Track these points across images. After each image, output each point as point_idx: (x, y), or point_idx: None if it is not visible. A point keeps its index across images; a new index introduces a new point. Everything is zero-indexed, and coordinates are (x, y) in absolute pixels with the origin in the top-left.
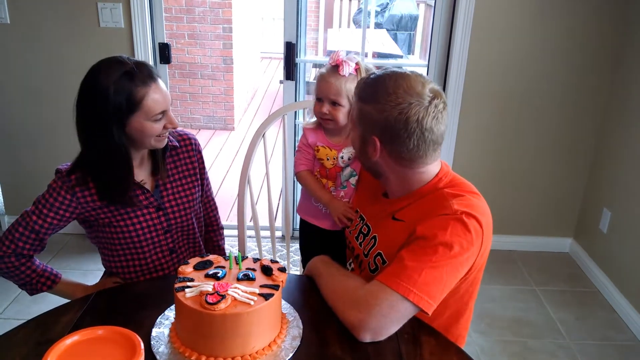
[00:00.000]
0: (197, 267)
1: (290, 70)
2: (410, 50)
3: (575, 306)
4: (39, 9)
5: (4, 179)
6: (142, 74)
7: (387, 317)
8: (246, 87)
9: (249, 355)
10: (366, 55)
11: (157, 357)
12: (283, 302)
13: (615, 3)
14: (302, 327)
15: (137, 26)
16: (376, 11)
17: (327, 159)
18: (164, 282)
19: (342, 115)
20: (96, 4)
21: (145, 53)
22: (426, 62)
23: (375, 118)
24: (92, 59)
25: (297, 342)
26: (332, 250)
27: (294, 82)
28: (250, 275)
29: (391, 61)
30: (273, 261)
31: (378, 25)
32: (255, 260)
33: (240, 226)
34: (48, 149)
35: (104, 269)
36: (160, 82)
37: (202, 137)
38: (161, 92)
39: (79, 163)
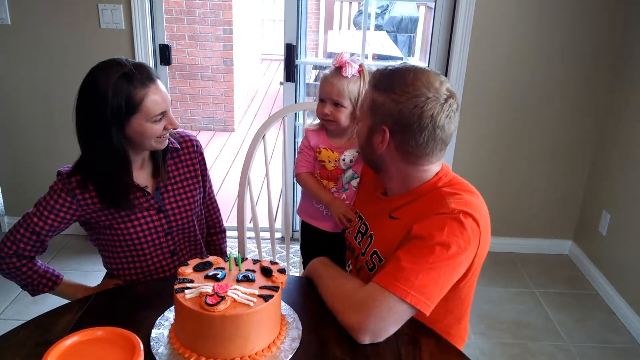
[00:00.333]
0: (196, 269)
1: (291, 71)
2: (410, 52)
3: (575, 308)
4: (40, 10)
5: (4, 180)
6: (141, 76)
7: (385, 320)
8: (246, 88)
9: (249, 356)
10: (366, 57)
11: (157, 358)
12: (283, 303)
13: (615, 6)
14: (301, 328)
15: (138, 27)
16: (376, 13)
17: (329, 161)
18: (164, 283)
19: (343, 117)
20: (97, 5)
21: (145, 54)
22: (426, 64)
23: (389, 108)
24: (92, 60)
25: (296, 344)
26: (333, 252)
27: (294, 83)
28: (250, 277)
29: (391, 63)
30: (273, 262)
31: (378, 27)
32: (255, 261)
33: (240, 227)
34: (48, 150)
35: (104, 271)
36: (160, 83)
37: (202, 139)
38: (160, 93)
39: (80, 165)
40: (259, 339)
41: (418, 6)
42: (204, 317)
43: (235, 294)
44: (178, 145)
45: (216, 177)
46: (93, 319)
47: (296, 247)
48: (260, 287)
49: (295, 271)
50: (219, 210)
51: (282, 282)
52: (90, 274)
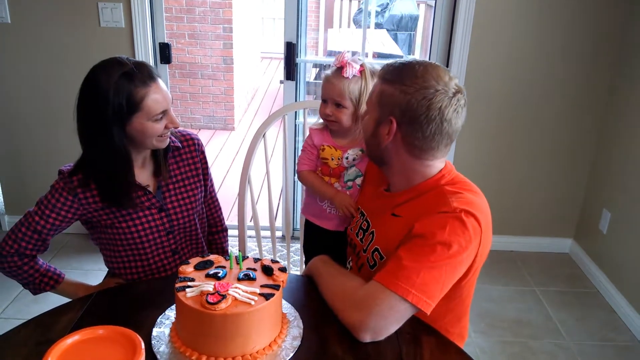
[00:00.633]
0: (197, 267)
1: (291, 70)
2: (410, 50)
3: (575, 307)
4: (39, 9)
5: (5, 179)
6: (141, 74)
7: (386, 318)
8: (246, 87)
9: (250, 355)
10: (366, 56)
11: (158, 356)
12: (283, 302)
13: (615, 4)
14: (302, 327)
15: (138, 26)
16: (376, 11)
17: (332, 159)
18: (165, 282)
19: (345, 117)
20: (97, 4)
21: (145, 53)
22: None
23: (397, 98)
24: (92, 58)
25: (297, 342)
26: (335, 250)
27: (295, 82)
28: (251, 275)
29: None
30: (274, 261)
31: (378, 26)
32: (256, 260)
33: (241, 226)
34: (48, 149)
35: (105, 269)
36: (160, 81)
37: (202, 137)
38: (161, 91)
39: (81, 164)
40: (260, 338)
41: (418, 4)
42: (205, 316)
43: (236, 292)
44: (180, 144)
45: (216, 176)
46: (94, 317)
47: (297, 246)
48: (261, 286)
49: (296, 270)
50: (220, 208)
51: (283, 281)
52: (91, 272)
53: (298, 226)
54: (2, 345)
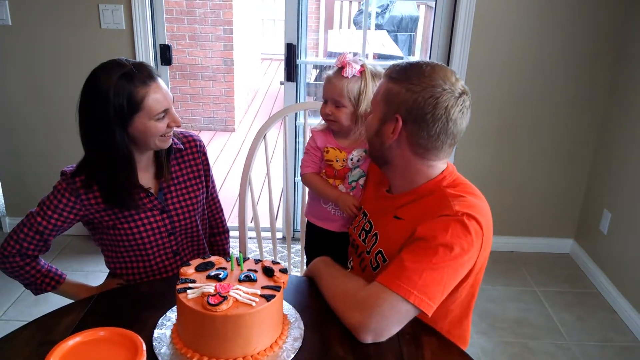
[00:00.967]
0: (198, 269)
1: (291, 71)
2: (410, 51)
3: (576, 307)
4: (40, 11)
5: (6, 181)
6: (141, 74)
7: (388, 319)
8: (247, 88)
9: (251, 356)
10: (367, 57)
11: (159, 358)
12: (284, 303)
13: (616, 4)
14: (303, 328)
15: (138, 28)
16: (376, 12)
17: (337, 161)
18: (166, 284)
19: (344, 116)
20: (97, 6)
21: (146, 54)
22: None
23: (403, 97)
24: (93, 60)
25: (298, 343)
26: (337, 252)
27: (295, 83)
28: (252, 277)
29: (392, 62)
30: (274, 262)
31: (378, 27)
32: (257, 261)
33: (241, 227)
34: (49, 150)
35: (106, 271)
36: (161, 81)
37: (202, 139)
38: (162, 91)
39: (84, 165)
40: (261, 339)
41: (418, 5)
42: (206, 317)
43: (237, 293)
44: (182, 146)
45: (217, 177)
46: (96, 319)
47: (297, 247)
48: (262, 287)
49: (297, 271)
50: (222, 210)
51: (284, 282)
52: (92, 274)
53: (299, 227)
54: (4, 346)
